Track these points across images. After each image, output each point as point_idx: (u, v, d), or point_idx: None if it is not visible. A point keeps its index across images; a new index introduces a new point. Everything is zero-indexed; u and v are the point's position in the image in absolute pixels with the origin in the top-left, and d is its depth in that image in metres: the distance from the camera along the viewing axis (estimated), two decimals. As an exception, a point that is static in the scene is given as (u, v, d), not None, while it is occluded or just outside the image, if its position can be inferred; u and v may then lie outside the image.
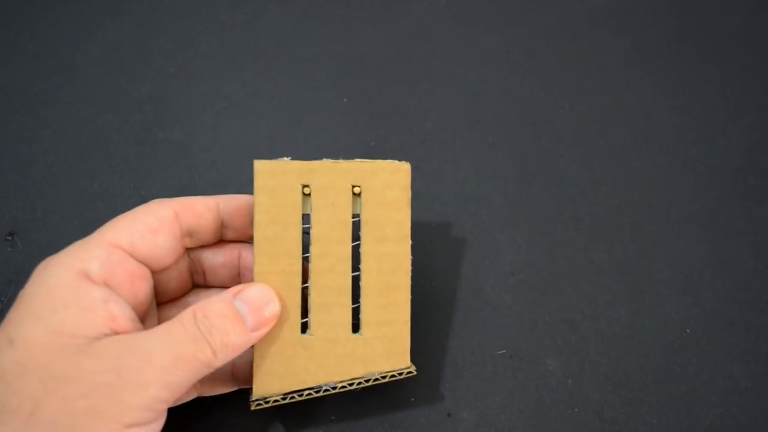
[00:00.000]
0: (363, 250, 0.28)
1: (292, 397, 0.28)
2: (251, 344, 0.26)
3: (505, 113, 0.41)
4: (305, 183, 0.27)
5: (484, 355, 0.33)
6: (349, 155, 0.38)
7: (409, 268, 0.28)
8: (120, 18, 0.43)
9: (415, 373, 0.29)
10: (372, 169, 0.28)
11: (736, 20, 0.45)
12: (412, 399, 0.31)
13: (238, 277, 0.30)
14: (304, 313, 0.28)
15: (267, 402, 0.27)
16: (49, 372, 0.22)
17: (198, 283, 0.30)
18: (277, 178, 0.27)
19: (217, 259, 0.30)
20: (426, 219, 0.37)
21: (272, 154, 0.38)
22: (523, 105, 0.41)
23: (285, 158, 0.28)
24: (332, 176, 0.27)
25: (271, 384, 0.28)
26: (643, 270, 0.36)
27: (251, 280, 0.28)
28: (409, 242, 0.28)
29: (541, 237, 0.37)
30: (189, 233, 0.28)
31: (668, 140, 0.40)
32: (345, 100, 0.41)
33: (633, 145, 0.40)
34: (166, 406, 0.24)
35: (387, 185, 0.28)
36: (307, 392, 0.28)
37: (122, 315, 0.24)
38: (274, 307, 0.27)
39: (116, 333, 0.24)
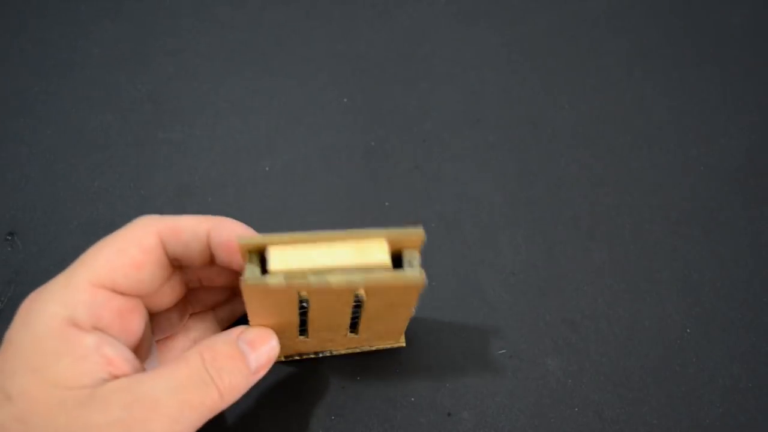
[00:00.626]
0: (364, 312, 0.26)
1: (293, 358, 0.31)
2: (251, 386, 0.26)
3: (505, 113, 0.41)
4: (302, 295, 0.24)
5: (485, 354, 0.33)
6: (349, 155, 0.38)
7: (409, 318, 0.28)
8: (119, 17, 0.43)
9: (404, 345, 0.32)
10: (376, 285, 0.23)
11: (736, 20, 0.45)
12: (412, 399, 0.31)
13: (236, 274, 0.29)
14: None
15: None
16: (53, 429, 0.22)
17: (193, 286, 0.29)
18: (269, 295, 0.23)
19: (211, 269, 0.28)
20: (426, 219, 0.37)
21: (272, 154, 0.38)
22: (523, 105, 0.41)
23: (271, 238, 0.23)
24: (334, 290, 0.23)
25: None
26: (643, 270, 0.36)
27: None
28: (413, 310, 0.27)
29: (541, 237, 0.37)
30: (175, 259, 0.26)
31: (668, 140, 0.40)
32: (345, 99, 0.41)
33: (633, 145, 0.40)
34: None
35: (395, 293, 0.25)
36: (306, 355, 0.31)
37: (118, 356, 0.24)
38: (274, 349, 0.26)
39: (115, 376, 0.23)
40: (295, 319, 0.26)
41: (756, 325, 0.34)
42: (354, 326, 0.28)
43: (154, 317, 0.28)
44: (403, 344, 0.32)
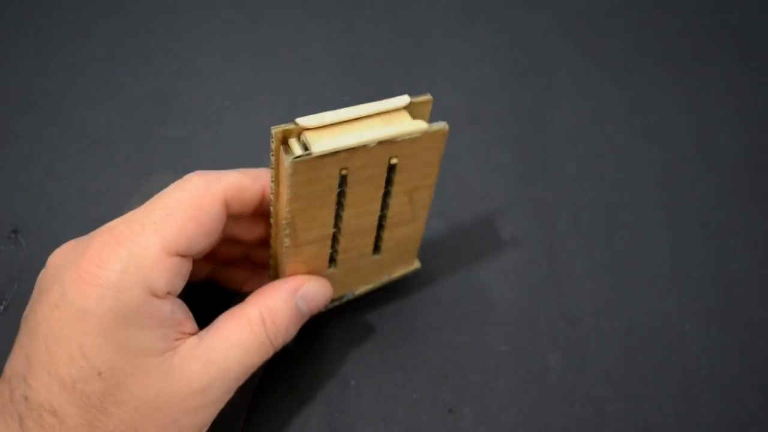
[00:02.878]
0: (390, 200, 0.28)
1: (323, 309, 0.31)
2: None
3: (506, 111, 0.41)
4: (343, 167, 0.25)
5: (485, 351, 0.33)
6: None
7: (428, 205, 0.30)
8: (122, 16, 0.43)
9: (419, 267, 0.33)
10: (411, 140, 0.26)
11: (736, 20, 0.45)
12: (414, 395, 0.32)
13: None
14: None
15: None
16: (142, 400, 0.23)
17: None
18: (315, 170, 0.25)
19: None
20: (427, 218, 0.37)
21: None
22: (523, 103, 0.41)
23: (303, 120, 0.25)
24: (371, 155, 0.26)
25: None
26: (643, 267, 0.36)
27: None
28: (433, 189, 0.29)
29: (541, 234, 0.37)
30: (231, 216, 0.27)
31: (667, 138, 0.41)
32: (346, 98, 0.41)
33: (632, 143, 0.40)
34: None
35: (423, 149, 0.27)
36: (329, 305, 0.31)
37: (186, 318, 0.25)
38: (328, 298, 0.28)
39: (182, 335, 0.24)
40: (331, 221, 0.27)
41: (755, 321, 0.35)
42: (378, 239, 0.30)
43: None
44: (419, 266, 0.33)
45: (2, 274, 0.33)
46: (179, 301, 0.25)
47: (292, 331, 0.27)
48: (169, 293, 0.24)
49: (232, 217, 0.27)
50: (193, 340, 0.25)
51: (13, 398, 0.22)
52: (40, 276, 0.25)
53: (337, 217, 0.27)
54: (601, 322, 0.34)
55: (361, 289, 0.32)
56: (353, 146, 0.24)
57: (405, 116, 0.26)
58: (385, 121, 0.26)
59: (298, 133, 0.24)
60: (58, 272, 0.24)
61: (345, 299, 0.32)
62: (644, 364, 0.33)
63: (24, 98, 0.39)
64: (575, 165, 0.39)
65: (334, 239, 0.28)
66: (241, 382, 0.26)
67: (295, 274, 0.28)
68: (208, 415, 0.25)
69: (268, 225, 0.27)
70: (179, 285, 0.25)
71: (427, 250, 0.35)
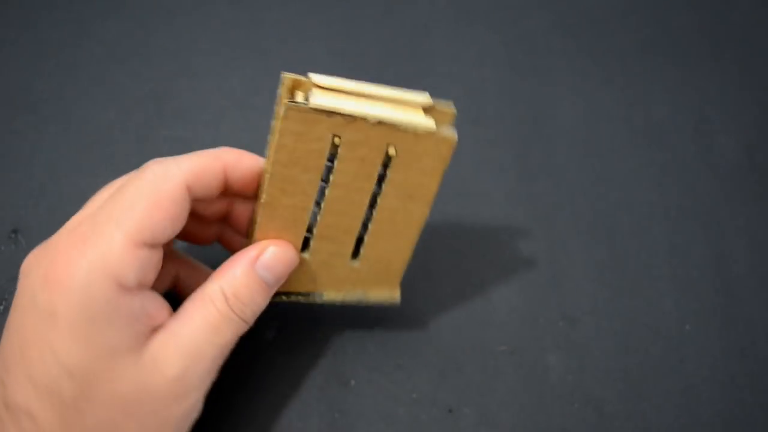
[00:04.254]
0: (380, 201, 0.27)
1: (280, 298, 0.29)
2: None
3: (506, 111, 0.41)
4: (337, 134, 0.24)
5: (485, 351, 0.33)
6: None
7: (422, 224, 0.28)
8: (122, 16, 0.43)
9: (398, 302, 0.30)
10: (415, 135, 0.25)
11: (735, 20, 0.45)
12: (414, 395, 0.32)
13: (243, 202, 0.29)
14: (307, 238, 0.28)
15: None
16: (117, 397, 0.23)
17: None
18: (308, 124, 0.24)
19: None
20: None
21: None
22: (524, 102, 0.41)
23: (315, 76, 0.24)
24: (369, 134, 0.24)
25: None
26: (643, 266, 0.36)
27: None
28: (430, 206, 0.27)
29: (541, 233, 0.37)
30: (194, 200, 0.27)
31: (667, 138, 0.41)
32: (346, 98, 0.41)
33: (633, 143, 0.40)
34: None
35: (426, 153, 0.25)
36: (294, 296, 0.29)
37: (158, 309, 0.24)
38: (293, 262, 0.27)
39: (154, 328, 0.24)
40: (312, 194, 0.26)
41: (754, 321, 0.35)
42: (358, 247, 0.28)
43: None
44: (398, 299, 0.30)
45: (2, 274, 0.34)
46: (152, 293, 0.25)
47: (261, 302, 0.26)
48: (140, 285, 0.24)
49: (198, 200, 0.26)
50: (166, 334, 0.24)
51: None
52: (18, 284, 0.25)
53: (321, 193, 0.26)
54: (601, 321, 0.34)
55: (332, 295, 0.30)
56: (351, 113, 0.23)
57: (419, 112, 0.25)
58: (396, 107, 0.25)
59: (308, 88, 0.24)
60: (27, 278, 0.24)
61: (312, 299, 0.30)
62: (644, 364, 0.33)
63: (24, 98, 0.39)
64: (575, 165, 0.39)
65: (313, 218, 0.27)
66: (220, 362, 0.25)
67: (264, 239, 0.27)
68: (192, 401, 0.24)
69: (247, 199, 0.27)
70: (150, 276, 0.24)
71: (427, 250, 0.35)
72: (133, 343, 0.23)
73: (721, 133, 0.41)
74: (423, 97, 0.25)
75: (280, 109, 0.24)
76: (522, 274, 0.35)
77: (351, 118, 0.24)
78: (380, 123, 0.24)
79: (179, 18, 0.43)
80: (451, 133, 0.25)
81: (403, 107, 0.25)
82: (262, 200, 0.26)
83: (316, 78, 0.24)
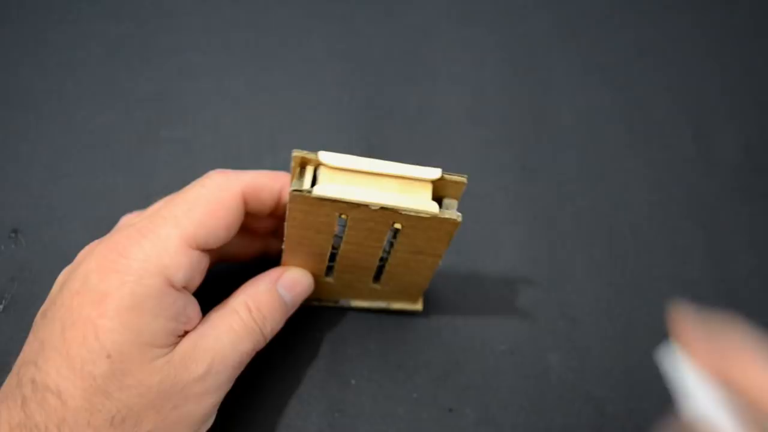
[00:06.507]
0: (392, 254, 0.28)
1: (311, 303, 0.32)
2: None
3: (506, 111, 0.41)
4: (343, 214, 0.25)
5: (486, 350, 0.33)
6: (350, 153, 0.39)
7: (435, 268, 0.29)
8: (122, 16, 0.43)
9: (420, 310, 0.33)
10: (417, 218, 0.25)
11: (735, 18, 0.46)
12: (414, 395, 0.32)
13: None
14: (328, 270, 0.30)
15: None
16: (146, 386, 0.23)
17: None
18: (313, 206, 0.25)
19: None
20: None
21: (274, 152, 0.39)
22: (524, 103, 0.41)
23: (324, 155, 0.25)
24: (373, 215, 0.25)
25: None
26: (643, 266, 0.36)
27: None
28: (441, 258, 0.28)
29: (541, 233, 0.37)
30: (248, 213, 0.28)
31: (667, 137, 0.41)
32: (347, 98, 0.41)
33: (632, 143, 0.40)
34: None
35: (431, 228, 0.26)
36: (325, 301, 0.32)
37: (195, 314, 0.26)
38: (309, 288, 0.29)
39: (186, 332, 0.25)
40: (327, 247, 0.27)
41: (755, 321, 0.35)
42: (379, 274, 0.30)
43: None
44: (420, 308, 0.33)
45: (2, 274, 0.33)
46: (193, 299, 0.26)
47: (279, 319, 0.28)
48: (185, 287, 0.25)
49: (250, 215, 0.28)
50: (195, 337, 0.25)
51: (21, 383, 0.23)
52: (63, 272, 0.26)
53: (335, 246, 0.28)
54: (602, 321, 0.34)
55: (358, 302, 0.33)
56: (354, 201, 0.24)
57: (426, 190, 0.25)
58: (402, 187, 0.25)
59: (317, 164, 0.25)
60: (82, 264, 0.25)
61: (340, 304, 0.33)
62: (645, 363, 0.33)
63: (24, 98, 0.39)
64: (575, 165, 0.39)
65: (332, 258, 0.29)
66: (238, 370, 0.26)
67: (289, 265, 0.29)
68: (209, 403, 0.25)
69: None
70: (197, 280, 0.26)
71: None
72: (170, 339, 0.24)
73: (721, 133, 0.41)
74: (433, 172, 0.25)
75: (288, 189, 0.25)
76: (522, 274, 0.35)
77: (354, 205, 0.24)
78: (382, 208, 0.24)
79: (179, 18, 0.43)
80: (455, 215, 0.25)
81: (411, 185, 0.25)
82: (282, 246, 0.28)
83: (324, 157, 0.24)
